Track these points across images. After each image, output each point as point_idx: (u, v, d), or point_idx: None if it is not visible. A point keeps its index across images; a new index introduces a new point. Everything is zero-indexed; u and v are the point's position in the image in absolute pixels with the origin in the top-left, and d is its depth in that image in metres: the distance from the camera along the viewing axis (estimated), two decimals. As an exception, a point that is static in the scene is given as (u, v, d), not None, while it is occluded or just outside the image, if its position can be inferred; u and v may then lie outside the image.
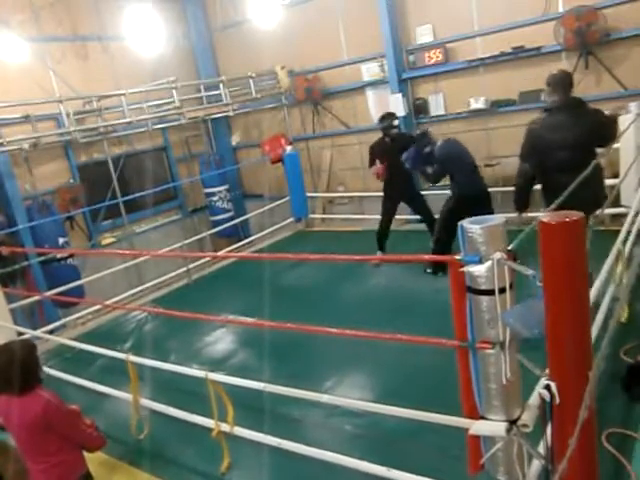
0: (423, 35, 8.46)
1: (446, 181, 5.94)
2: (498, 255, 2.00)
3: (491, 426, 2.20)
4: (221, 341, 5.54)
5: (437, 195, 6.59)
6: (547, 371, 2.00)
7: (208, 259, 7.98)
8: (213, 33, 10.95)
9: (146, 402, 3.87)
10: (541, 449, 2.21)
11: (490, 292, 2.04)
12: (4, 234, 7.11)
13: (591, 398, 1.88)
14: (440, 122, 8.62)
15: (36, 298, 6.73)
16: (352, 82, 9.37)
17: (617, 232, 4.31)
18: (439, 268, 5.87)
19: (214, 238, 10.42)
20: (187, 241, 8.18)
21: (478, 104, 8.10)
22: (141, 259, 7.86)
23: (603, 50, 7.04)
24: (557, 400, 1.93)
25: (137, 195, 9.05)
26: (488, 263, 2.01)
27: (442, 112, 8.62)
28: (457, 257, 2.12)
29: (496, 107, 8.03)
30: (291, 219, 9.16)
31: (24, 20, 7.97)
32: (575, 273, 1.86)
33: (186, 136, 10.79)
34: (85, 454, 2.92)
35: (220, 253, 8.36)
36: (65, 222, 8.53)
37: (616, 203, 5.37)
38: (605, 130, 4.23)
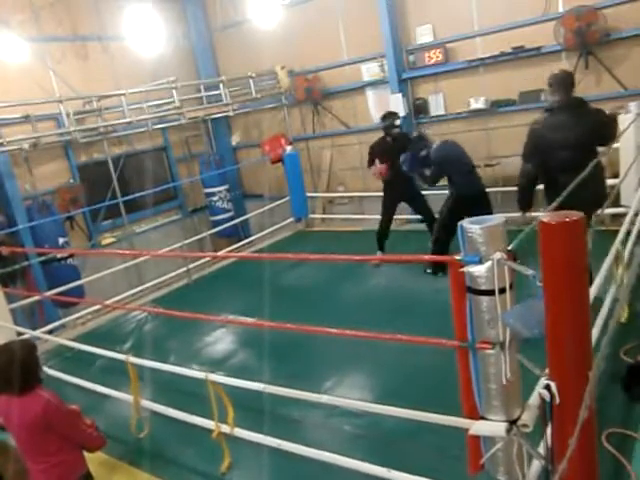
0: (423, 35, 8.46)
1: (446, 181, 5.95)
2: (498, 255, 2.00)
3: (491, 426, 2.20)
4: (221, 341, 5.54)
5: (437, 195, 6.59)
6: (547, 371, 2.00)
7: (208, 259, 7.98)
8: (213, 33, 10.95)
9: (146, 403, 3.87)
10: (541, 449, 2.21)
11: (490, 292, 2.04)
12: (4, 234, 7.11)
13: (591, 398, 1.88)
14: (440, 122, 8.63)
15: (36, 298, 6.73)
16: (352, 82, 9.37)
17: (617, 232, 4.31)
18: (439, 268, 5.88)
19: (214, 238, 10.42)
20: (187, 241, 8.18)
21: (478, 104, 8.10)
22: (141, 259, 7.87)
23: (603, 50, 7.04)
24: (557, 400, 1.93)
25: (137, 195, 9.05)
26: (488, 263, 2.01)
27: (442, 112, 8.62)
28: (457, 257, 2.12)
29: (496, 107, 8.03)
30: (291, 219, 9.16)
31: (24, 20, 7.97)
32: (575, 273, 1.86)
33: (186, 136, 10.80)
34: (85, 454, 2.92)
35: (220, 253, 8.36)
36: (65, 222, 8.54)
37: (616, 203, 5.37)
38: (606, 130, 4.24)
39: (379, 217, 6.87)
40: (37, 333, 5.55)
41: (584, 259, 1.88)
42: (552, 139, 4.11)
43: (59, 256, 7.88)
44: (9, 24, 7.61)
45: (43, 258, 7.56)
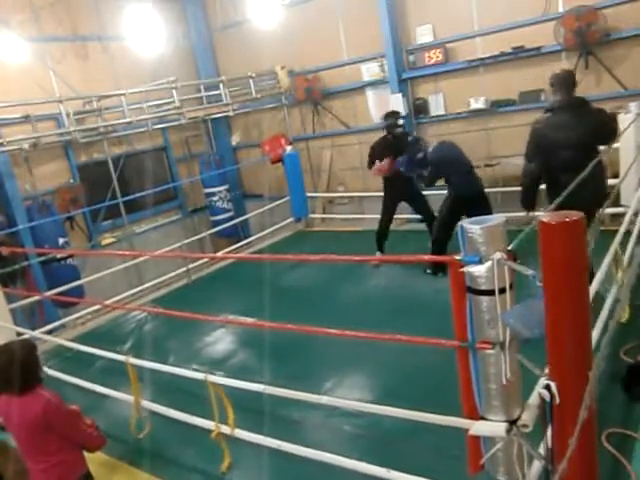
0: (423, 35, 8.47)
1: (444, 181, 5.95)
2: (498, 255, 2.00)
3: (491, 426, 2.20)
4: (221, 341, 5.53)
5: (438, 195, 6.59)
6: (547, 371, 2.00)
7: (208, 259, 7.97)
8: (213, 33, 10.95)
9: (146, 403, 3.87)
10: (541, 449, 2.21)
11: (490, 292, 2.04)
12: (4, 234, 7.11)
13: (591, 398, 1.88)
14: (440, 122, 8.64)
15: (36, 298, 6.73)
16: (352, 82, 9.37)
17: (617, 232, 4.31)
18: (439, 268, 5.88)
19: (214, 238, 10.42)
20: (187, 241, 8.17)
21: (478, 104, 8.11)
22: (141, 259, 7.86)
23: (603, 50, 7.04)
24: (557, 400, 1.93)
25: (137, 195, 9.05)
26: (488, 263, 2.01)
27: (442, 112, 8.63)
28: (457, 257, 2.12)
29: (496, 107, 8.04)
30: (291, 219, 9.16)
31: (24, 20, 7.97)
32: (575, 273, 1.86)
33: (186, 136, 10.80)
34: (85, 454, 2.92)
35: (219, 254, 8.37)
36: (65, 222, 8.54)
37: (616, 203, 5.37)
38: (608, 129, 4.26)
39: (379, 217, 6.87)
40: (37, 333, 5.55)
41: (584, 259, 1.88)
42: (554, 139, 4.12)
43: (59, 256, 7.88)
44: (9, 24, 7.62)
45: (43, 258, 7.55)
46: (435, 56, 8.34)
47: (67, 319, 6.80)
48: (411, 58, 8.61)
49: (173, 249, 7.72)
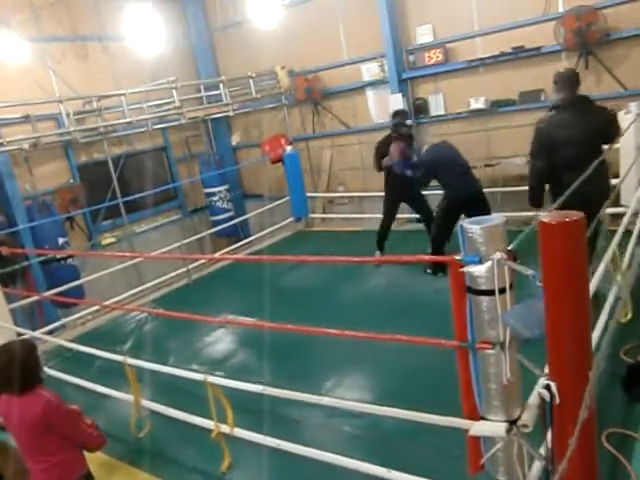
0: (423, 35, 8.46)
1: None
2: (498, 255, 2.00)
3: (491, 426, 2.20)
4: (221, 341, 5.53)
5: (438, 195, 6.58)
6: (547, 371, 2.00)
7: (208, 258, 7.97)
8: (213, 33, 10.95)
9: (146, 403, 3.87)
10: (541, 449, 2.21)
11: (490, 292, 2.04)
12: (4, 234, 7.10)
13: (591, 398, 1.88)
14: (440, 122, 8.63)
15: (36, 298, 6.73)
16: (352, 82, 9.37)
17: (616, 232, 4.31)
18: (439, 268, 5.87)
19: (214, 238, 10.42)
20: (186, 241, 8.17)
21: (478, 104, 8.10)
22: (140, 259, 7.86)
23: (603, 50, 7.04)
24: (557, 400, 1.93)
25: (137, 195, 9.05)
26: (488, 263, 2.01)
27: (442, 112, 8.62)
28: (457, 257, 2.12)
29: (496, 107, 8.03)
30: (291, 219, 9.16)
31: (24, 20, 7.96)
32: (575, 273, 1.86)
33: (186, 136, 10.80)
34: (85, 454, 2.92)
35: (217, 255, 8.37)
36: (65, 222, 8.53)
37: (616, 203, 5.37)
38: (611, 128, 4.27)
39: (379, 217, 6.87)
40: (37, 334, 5.55)
41: (584, 259, 1.88)
42: (557, 137, 4.14)
43: (59, 256, 7.88)
44: (9, 24, 7.61)
45: (43, 258, 7.56)
46: (435, 56, 8.34)
47: (67, 319, 6.80)
48: (411, 58, 8.61)
49: (173, 249, 7.73)
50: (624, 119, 5.37)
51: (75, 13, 8.89)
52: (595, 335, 3.10)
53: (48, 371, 4.14)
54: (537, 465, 2.39)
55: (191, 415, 3.59)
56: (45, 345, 5.59)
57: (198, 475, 3.61)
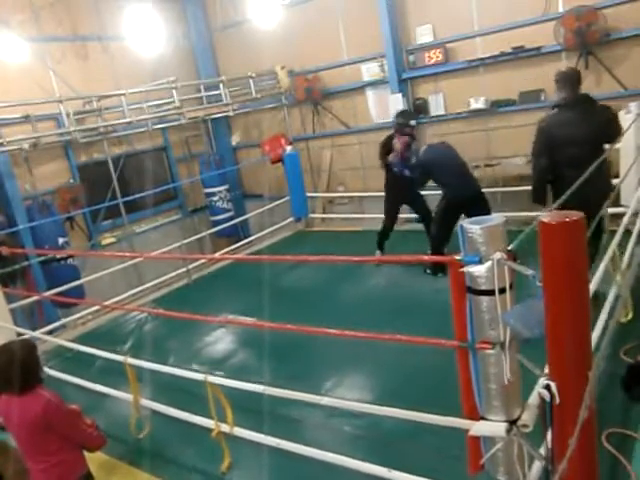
0: (423, 35, 8.46)
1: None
2: (498, 255, 2.00)
3: (491, 426, 2.20)
4: (221, 341, 5.53)
5: (438, 195, 6.59)
6: (547, 371, 2.00)
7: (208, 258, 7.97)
8: (213, 33, 10.95)
9: (146, 402, 3.87)
10: (541, 449, 2.21)
11: (490, 292, 2.05)
12: (4, 234, 7.10)
13: (591, 398, 1.88)
14: (440, 122, 8.63)
15: (36, 298, 6.73)
16: (352, 82, 9.37)
17: (615, 232, 4.31)
18: (439, 268, 5.87)
19: (214, 238, 10.43)
20: (186, 241, 8.17)
21: (478, 104, 8.10)
22: (140, 259, 7.86)
23: (603, 50, 7.04)
24: (557, 400, 1.93)
25: (137, 195, 9.05)
26: (488, 263, 2.01)
27: (442, 112, 8.62)
28: (457, 257, 2.12)
29: (496, 107, 8.03)
30: (291, 219, 9.16)
31: (24, 20, 7.96)
32: (575, 273, 1.86)
33: (186, 136, 10.80)
34: (85, 454, 2.92)
35: (217, 255, 8.37)
36: (65, 222, 8.53)
37: (616, 203, 5.37)
38: (613, 127, 4.27)
39: (379, 217, 6.86)
40: (37, 334, 5.55)
41: (584, 259, 1.88)
42: (559, 136, 4.14)
43: (59, 256, 7.88)
44: (9, 24, 7.61)
45: (43, 258, 7.56)
46: (435, 56, 8.34)
47: (67, 319, 6.80)
48: (411, 58, 8.61)
49: (173, 249, 7.73)
50: (624, 119, 5.36)
51: (75, 13, 8.90)
52: (595, 335, 3.10)
53: (48, 371, 4.15)
54: (537, 465, 2.39)
55: (191, 415, 3.59)
56: (45, 345, 5.59)
57: (198, 475, 3.61)
